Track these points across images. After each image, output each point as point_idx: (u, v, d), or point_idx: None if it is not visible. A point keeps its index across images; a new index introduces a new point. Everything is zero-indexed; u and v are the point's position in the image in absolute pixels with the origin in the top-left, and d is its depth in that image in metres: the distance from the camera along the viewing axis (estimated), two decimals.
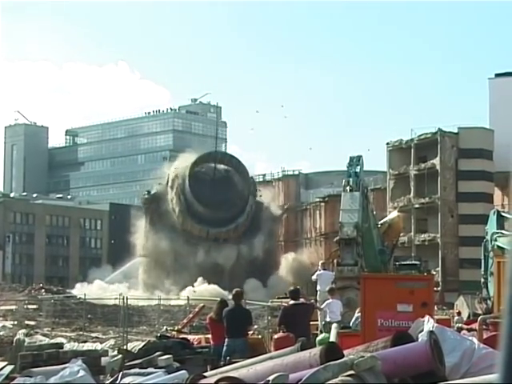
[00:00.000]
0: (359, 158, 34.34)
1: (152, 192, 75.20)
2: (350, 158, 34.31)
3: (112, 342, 29.19)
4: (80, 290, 62.07)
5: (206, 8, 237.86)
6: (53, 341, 26.94)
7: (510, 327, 1.29)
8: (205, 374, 9.02)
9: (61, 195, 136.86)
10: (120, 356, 16.23)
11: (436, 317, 13.95)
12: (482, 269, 33.57)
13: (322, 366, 6.70)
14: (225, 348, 15.09)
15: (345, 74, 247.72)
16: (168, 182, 75.80)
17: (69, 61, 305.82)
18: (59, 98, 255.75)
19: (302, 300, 16.89)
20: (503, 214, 31.71)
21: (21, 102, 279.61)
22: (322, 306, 20.04)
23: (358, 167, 33.66)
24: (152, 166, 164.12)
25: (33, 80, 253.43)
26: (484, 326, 13.56)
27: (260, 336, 22.41)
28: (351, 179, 32.88)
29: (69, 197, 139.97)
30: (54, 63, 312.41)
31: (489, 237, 31.96)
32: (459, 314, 32.68)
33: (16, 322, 36.34)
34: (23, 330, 32.39)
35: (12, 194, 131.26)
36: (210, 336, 17.80)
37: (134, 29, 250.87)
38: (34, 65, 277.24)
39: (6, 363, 17.20)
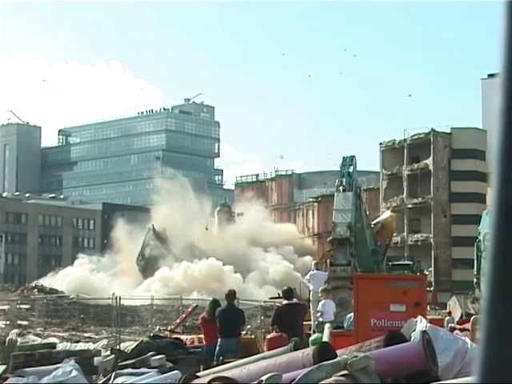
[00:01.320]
0: (352, 158, 34.34)
1: (146, 255, 73.48)
2: (343, 158, 34.31)
3: (105, 341, 29.16)
4: (51, 280, 61.79)
5: (198, 8, 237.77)
6: (45, 341, 26.90)
7: (489, 330, 1.30)
8: (198, 374, 9.02)
9: (53, 195, 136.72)
10: (113, 356, 16.22)
11: (429, 317, 13.97)
12: (475, 269, 33.62)
13: (316, 365, 6.70)
14: (218, 348, 15.08)
15: (338, 74, 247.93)
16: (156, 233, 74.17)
17: (60, 60, 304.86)
18: (51, 97, 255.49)
19: (295, 300, 16.91)
20: None
21: (12, 101, 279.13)
22: (318, 309, 20.02)
23: (351, 167, 33.66)
24: (145, 166, 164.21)
25: (24, 79, 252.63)
26: (477, 326, 13.58)
27: (253, 336, 22.42)
28: (344, 179, 32.87)
29: (61, 197, 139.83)
30: (45, 62, 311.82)
31: (481, 237, 31.99)
32: (450, 314, 32.75)
33: (8, 322, 36.27)
34: (16, 330, 32.32)
35: (4, 194, 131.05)
36: (202, 336, 17.80)
37: (126, 28, 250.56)
38: (25, 64, 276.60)
39: None
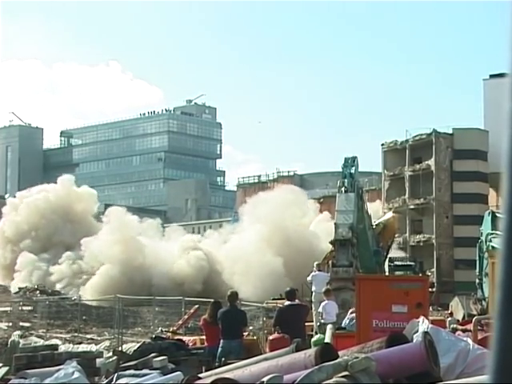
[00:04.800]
0: (354, 158, 34.30)
1: None
2: (345, 158, 34.26)
3: (107, 343, 29.21)
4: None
5: (199, 8, 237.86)
6: (48, 342, 26.94)
7: (501, 332, 1.30)
8: (200, 375, 9.03)
9: None
10: (115, 357, 16.24)
11: (431, 318, 13.96)
12: (477, 270, 33.63)
13: (317, 366, 6.70)
14: (220, 349, 15.08)
15: (340, 74, 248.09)
16: None
17: (58, 60, 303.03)
18: (51, 98, 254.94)
19: (297, 301, 16.90)
20: (498, 214, 31.77)
21: (13, 103, 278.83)
22: (319, 310, 20.02)
23: (353, 168, 33.64)
24: (147, 168, 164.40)
25: (22, 79, 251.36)
26: (479, 327, 13.58)
27: (255, 337, 22.42)
28: (346, 180, 32.86)
29: None
30: (43, 62, 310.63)
31: (484, 237, 32.02)
32: (451, 314, 32.68)
33: (11, 324, 36.30)
34: (18, 332, 32.38)
35: (6, 196, 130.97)
36: (204, 337, 17.80)
37: (125, 28, 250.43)
38: (22, 64, 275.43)
39: (0, 365, 17.19)
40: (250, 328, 23.68)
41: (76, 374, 10.80)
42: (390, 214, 43.88)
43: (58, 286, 59.50)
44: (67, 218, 69.44)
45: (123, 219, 64.92)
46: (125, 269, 57.54)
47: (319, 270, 25.73)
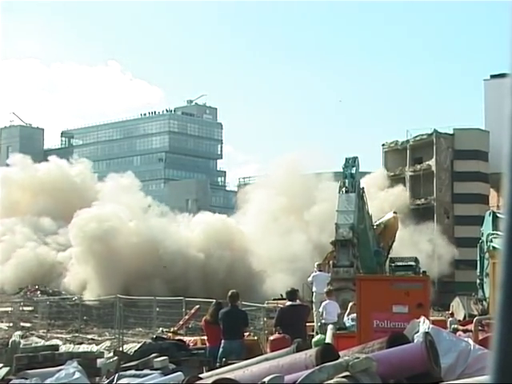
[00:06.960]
0: (355, 159, 34.36)
1: None
2: (346, 159, 34.32)
3: (108, 343, 29.24)
4: None
5: (199, 7, 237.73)
6: (48, 343, 27.00)
7: (501, 333, 1.30)
8: (200, 375, 9.03)
9: None
10: (116, 358, 16.24)
11: (431, 318, 13.96)
12: (478, 270, 33.64)
13: (317, 367, 6.70)
14: (221, 350, 15.09)
15: (340, 74, 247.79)
16: None
17: (57, 60, 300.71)
18: (50, 98, 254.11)
19: (298, 301, 16.91)
20: (499, 215, 31.80)
21: (13, 103, 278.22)
22: (320, 310, 20.03)
23: (354, 168, 33.70)
24: (148, 168, 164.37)
25: (20, 79, 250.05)
26: (479, 327, 13.58)
27: (256, 337, 22.43)
28: (347, 180, 32.94)
29: None
30: (41, 62, 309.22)
31: (484, 238, 32.04)
32: (452, 315, 32.73)
33: (11, 324, 36.35)
34: (19, 332, 32.42)
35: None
36: (205, 337, 17.82)
37: (124, 28, 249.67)
38: (20, 63, 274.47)
39: (1, 365, 17.20)
40: (251, 328, 23.69)
41: (77, 375, 10.81)
42: (390, 215, 43.87)
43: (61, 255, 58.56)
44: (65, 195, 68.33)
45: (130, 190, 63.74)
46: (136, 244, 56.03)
47: (320, 271, 25.75)
